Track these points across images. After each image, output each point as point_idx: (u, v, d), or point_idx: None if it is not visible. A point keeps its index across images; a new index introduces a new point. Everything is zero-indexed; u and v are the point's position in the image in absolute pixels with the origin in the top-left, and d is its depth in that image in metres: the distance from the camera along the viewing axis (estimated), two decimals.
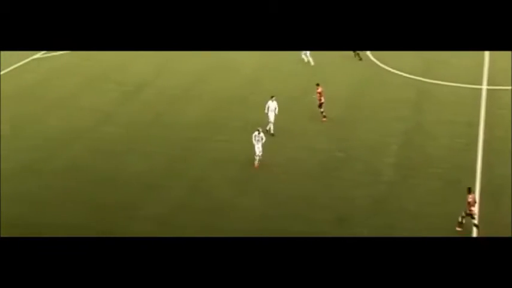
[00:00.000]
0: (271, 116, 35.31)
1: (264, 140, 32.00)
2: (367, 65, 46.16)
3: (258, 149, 31.86)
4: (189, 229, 27.04)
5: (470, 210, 26.47)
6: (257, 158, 31.94)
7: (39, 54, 49.83)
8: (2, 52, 45.54)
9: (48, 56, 49.54)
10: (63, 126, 37.43)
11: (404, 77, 43.83)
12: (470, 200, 26.41)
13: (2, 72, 46.32)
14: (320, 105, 36.72)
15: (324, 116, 36.83)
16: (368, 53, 47.90)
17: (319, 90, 36.64)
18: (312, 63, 46.02)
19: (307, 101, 39.44)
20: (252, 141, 32.03)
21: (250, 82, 43.40)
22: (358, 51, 46.41)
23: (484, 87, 41.38)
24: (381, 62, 46.23)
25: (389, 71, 44.94)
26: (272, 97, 35.64)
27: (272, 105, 35.37)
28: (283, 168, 32.09)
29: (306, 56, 46.22)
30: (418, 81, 42.99)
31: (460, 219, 26.69)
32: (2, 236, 26.44)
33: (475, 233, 26.57)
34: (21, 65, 47.84)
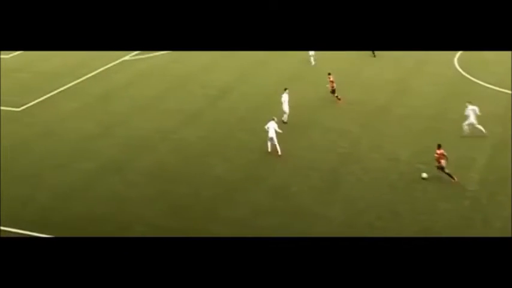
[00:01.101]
0: (286, 108, 37.40)
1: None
2: (454, 76, 45.21)
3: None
4: (268, 232, 27.14)
5: (439, 163, 30.41)
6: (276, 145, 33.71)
7: (129, 56, 51.23)
8: (94, 53, 47.03)
9: (137, 58, 50.87)
10: (149, 127, 38.33)
11: (493, 89, 42.64)
12: (437, 155, 30.27)
13: (93, 73, 47.88)
14: (333, 92, 40.50)
15: (339, 98, 40.50)
16: (456, 64, 46.88)
17: (331, 79, 40.49)
18: (313, 63, 47.52)
19: (392, 112, 39.02)
20: (266, 131, 33.75)
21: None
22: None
23: None
24: (469, 74, 45.16)
25: (478, 83, 43.83)
26: (285, 89, 38.01)
27: (286, 97, 37.55)
28: (365, 178, 31.79)
29: (313, 56, 47.36)
30: (507, 94, 41.74)
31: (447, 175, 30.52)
32: (91, 232, 27.37)
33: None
34: (111, 67, 49.32)
